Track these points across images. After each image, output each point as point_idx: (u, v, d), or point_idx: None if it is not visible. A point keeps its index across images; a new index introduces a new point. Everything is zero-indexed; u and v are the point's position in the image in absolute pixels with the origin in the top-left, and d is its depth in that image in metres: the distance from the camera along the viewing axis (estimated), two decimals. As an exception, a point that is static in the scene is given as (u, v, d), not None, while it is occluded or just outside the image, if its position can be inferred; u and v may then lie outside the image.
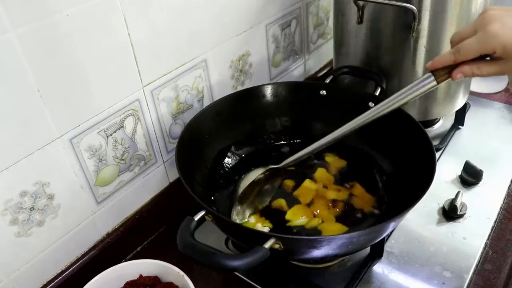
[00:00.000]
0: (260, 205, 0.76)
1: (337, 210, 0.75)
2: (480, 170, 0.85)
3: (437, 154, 0.93)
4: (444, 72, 0.58)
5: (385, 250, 0.74)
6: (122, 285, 0.68)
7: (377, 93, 0.85)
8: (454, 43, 0.57)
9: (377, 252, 0.74)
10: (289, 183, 0.81)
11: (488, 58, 0.56)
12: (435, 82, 0.59)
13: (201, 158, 0.80)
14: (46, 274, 0.69)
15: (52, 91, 0.61)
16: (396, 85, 0.89)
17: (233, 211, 0.74)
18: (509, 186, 0.85)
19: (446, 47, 0.83)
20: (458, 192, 0.80)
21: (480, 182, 0.86)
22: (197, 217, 0.59)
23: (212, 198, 0.79)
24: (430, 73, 0.59)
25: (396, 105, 0.64)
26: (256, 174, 0.77)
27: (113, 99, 0.70)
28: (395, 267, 0.73)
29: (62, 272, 0.71)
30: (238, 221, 0.73)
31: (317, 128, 0.90)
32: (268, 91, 0.88)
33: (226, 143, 0.85)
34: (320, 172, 0.82)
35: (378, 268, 0.73)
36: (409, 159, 0.74)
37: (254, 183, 0.75)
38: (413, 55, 0.85)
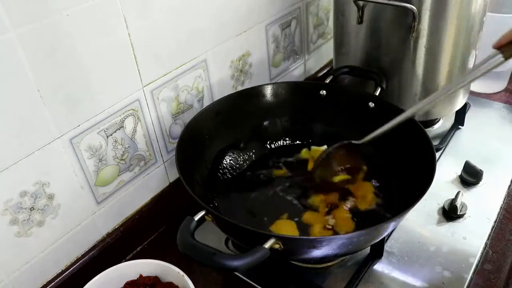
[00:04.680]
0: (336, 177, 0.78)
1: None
2: (480, 170, 0.85)
3: (437, 154, 0.93)
4: (510, 47, 0.60)
5: (385, 250, 0.74)
6: (122, 285, 0.68)
7: (377, 93, 0.85)
8: None
9: (377, 252, 0.74)
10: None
11: None
12: (502, 58, 0.61)
13: (201, 158, 0.80)
14: (46, 274, 0.69)
15: (52, 91, 0.61)
16: (396, 85, 0.89)
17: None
18: (509, 186, 0.85)
19: (446, 47, 0.83)
20: (458, 192, 0.80)
21: (480, 182, 0.86)
22: (197, 217, 0.59)
23: (212, 198, 0.79)
24: (497, 50, 0.61)
25: (465, 83, 0.66)
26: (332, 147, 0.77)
27: (113, 99, 0.70)
28: (395, 267, 0.73)
29: (62, 272, 0.71)
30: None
31: (317, 128, 0.90)
32: (268, 91, 0.88)
33: (226, 143, 0.85)
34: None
35: (378, 268, 0.73)
36: (409, 159, 0.74)
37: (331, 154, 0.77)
38: (413, 55, 0.85)
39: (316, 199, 0.78)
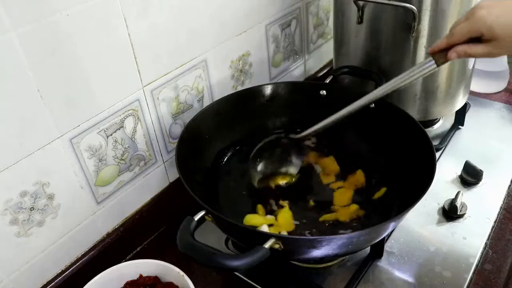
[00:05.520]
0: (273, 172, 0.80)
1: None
2: (480, 170, 0.85)
3: (437, 154, 0.93)
4: (442, 55, 0.64)
5: (385, 250, 0.74)
6: (122, 285, 0.68)
7: (377, 93, 0.85)
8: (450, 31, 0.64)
9: (377, 252, 0.74)
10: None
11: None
12: (435, 65, 0.65)
13: (201, 158, 0.80)
14: (46, 274, 0.69)
15: (52, 91, 0.61)
16: (396, 85, 0.89)
17: (252, 168, 0.79)
18: (509, 186, 0.85)
19: (446, 47, 0.83)
20: (458, 192, 0.80)
21: (480, 182, 0.86)
22: (197, 217, 0.59)
23: (212, 198, 0.79)
24: (431, 57, 0.65)
25: (401, 85, 0.69)
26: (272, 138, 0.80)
27: (113, 99, 0.70)
28: (395, 267, 0.73)
29: (62, 272, 0.71)
30: (256, 179, 0.79)
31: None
32: (268, 91, 0.88)
33: (226, 143, 0.85)
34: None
35: (378, 268, 0.73)
36: (409, 159, 0.74)
37: (270, 148, 0.80)
38: (413, 55, 0.85)
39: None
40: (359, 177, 0.81)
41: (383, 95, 0.71)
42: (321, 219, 0.74)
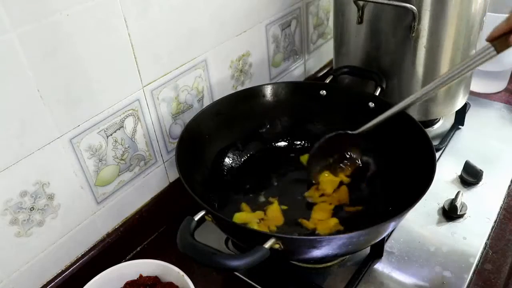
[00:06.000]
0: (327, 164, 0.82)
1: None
2: (480, 170, 0.85)
3: (437, 154, 0.93)
4: (502, 40, 0.61)
5: (385, 250, 0.74)
6: (122, 285, 0.68)
7: (377, 93, 0.85)
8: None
9: (377, 252, 0.74)
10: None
11: None
12: (495, 52, 0.62)
13: (201, 158, 0.80)
14: (46, 274, 0.70)
15: (52, 91, 0.61)
16: (396, 85, 0.89)
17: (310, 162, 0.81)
18: (509, 186, 0.85)
19: (446, 47, 0.83)
20: (458, 192, 0.80)
21: (480, 182, 0.86)
22: (197, 217, 0.59)
23: (212, 198, 0.79)
24: (490, 44, 0.63)
25: (462, 73, 0.67)
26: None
27: (113, 99, 0.70)
28: (395, 267, 0.73)
29: (62, 272, 0.71)
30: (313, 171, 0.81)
31: (317, 128, 0.90)
32: (268, 91, 0.88)
33: (226, 143, 0.85)
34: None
35: (378, 268, 0.73)
36: (409, 159, 0.74)
37: (328, 145, 0.80)
38: (413, 55, 0.85)
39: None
40: (342, 193, 0.80)
41: (447, 82, 0.69)
42: (299, 220, 0.74)
